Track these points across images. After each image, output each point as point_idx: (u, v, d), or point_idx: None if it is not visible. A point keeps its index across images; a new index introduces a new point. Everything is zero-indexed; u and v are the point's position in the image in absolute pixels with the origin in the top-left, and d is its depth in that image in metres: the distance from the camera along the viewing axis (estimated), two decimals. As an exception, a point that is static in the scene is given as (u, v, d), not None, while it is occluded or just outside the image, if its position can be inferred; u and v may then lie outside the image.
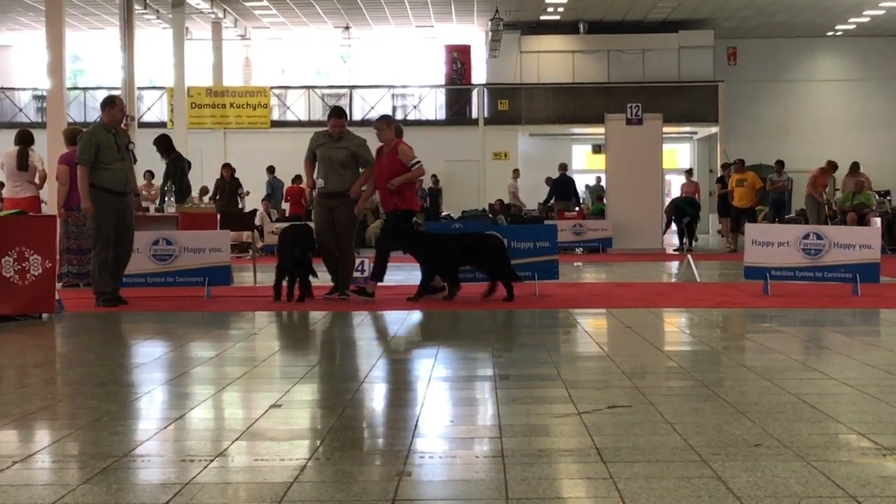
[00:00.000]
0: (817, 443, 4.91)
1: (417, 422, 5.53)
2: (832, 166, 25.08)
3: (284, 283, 12.59)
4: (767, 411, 5.65)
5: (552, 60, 40.31)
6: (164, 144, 17.69)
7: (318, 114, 40.74)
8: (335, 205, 12.76)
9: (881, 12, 36.96)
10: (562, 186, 29.87)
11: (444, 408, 6.16)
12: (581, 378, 7.10)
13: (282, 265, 12.63)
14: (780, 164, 31.29)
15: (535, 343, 9.20)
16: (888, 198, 29.33)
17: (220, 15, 37.18)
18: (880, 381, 6.69)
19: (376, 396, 6.55)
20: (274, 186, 32.83)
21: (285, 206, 33.65)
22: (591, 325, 10.90)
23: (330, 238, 12.79)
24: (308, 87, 41.21)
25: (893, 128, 40.76)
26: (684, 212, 26.84)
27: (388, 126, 12.85)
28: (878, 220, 22.38)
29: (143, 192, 24.36)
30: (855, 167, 25.10)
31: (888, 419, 5.49)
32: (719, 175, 29.10)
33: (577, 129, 40.61)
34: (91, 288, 12.56)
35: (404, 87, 41.37)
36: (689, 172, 32.99)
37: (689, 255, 17.70)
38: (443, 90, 41.15)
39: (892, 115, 41.12)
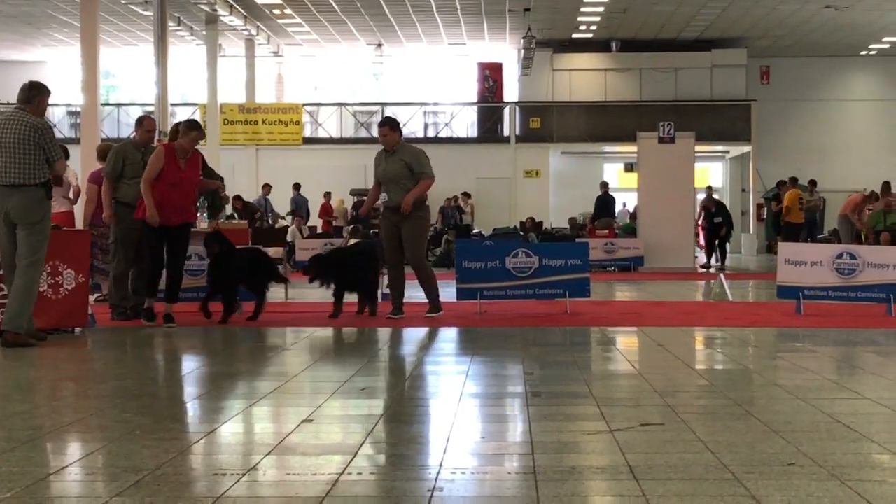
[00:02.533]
0: (851, 462, 4.88)
1: (449, 438, 5.53)
2: (875, 197, 24.90)
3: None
4: (800, 430, 5.62)
5: (584, 78, 40.31)
6: None
7: (350, 131, 40.89)
8: (399, 219, 12.50)
9: (915, 31, 36.80)
10: (604, 204, 29.91)
11: (475, 424, 6.15)
12: (613, 395, 7.08)
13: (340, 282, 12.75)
14: (813, 183, 31.19)
15: (567, 360, 9.17)
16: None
17: (254, 32, 37.37)
18: (915, 402, 6.64)
19: (407, 412, 6.55)
20: (298, 203, 32.93)
21: (316, 222, 33.78)
22: (623, 343, 10.87)
23: (397, 253, 12.59)
24: (340, 105, 41.35)
25: (926, 148, 40.52)
26: (718, 212, 26.74)
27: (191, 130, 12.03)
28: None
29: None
30: (886, 187, 24.92)
31: (923, 440, 5.45)
32: (774, 192, 29.16)
33: (608, 148, 40.58)
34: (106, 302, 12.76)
35: (436, 104, 41.45)
36: (709, 189, 31.86)
37: (721, 274, 17.62)
38: (475, 108, 41.21)
39: (925, 135, 40.90)
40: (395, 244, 12.55)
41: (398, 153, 12.59)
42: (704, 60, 39.58)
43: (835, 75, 41.51)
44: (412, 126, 40.35)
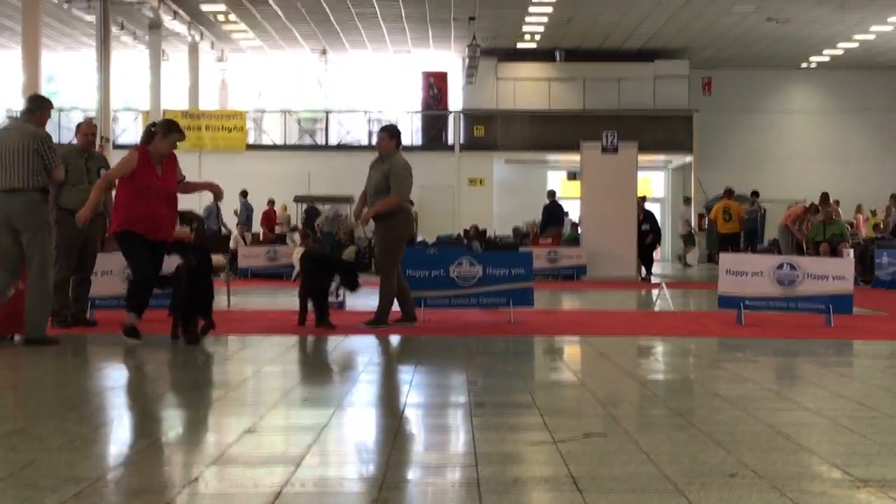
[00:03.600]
0: (792, 473, 4.92)
1: (392, 449, 5.51)
2: (815, 209, 25.15)
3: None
4: (742, 441, 5.66)
5: (528, 87, 40.46)
6: None
7: (294, 137, 40.79)
8: (377, 228, 12.46)
9: (854, 45, 37.31)
10: (552, 213, 29.98)
11: (418, 435, 6.14)
12: (556, 406, 7.10)
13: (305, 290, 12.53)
14: (755, 194, 31.58)
15: (511, 370, 9.19)
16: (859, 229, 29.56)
17: (198, 38, 37.18)
18: (854, 413, 6.71)
19: (351, 422, 6.52)
20: (247, 210, 32.77)
21: (258, 229, 33.61)
22: (566, 353, 10.91)
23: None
24: (284, 111, 41.21)
25: (865, 160, 41.07)
26: (645, 220, 26.27)
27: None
28: (850, 252, 22.50)
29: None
30: (825, 198, 25.27)
31: (862, 450, 5.51)
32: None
33: (552, 157, 40.77)
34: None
35: (380, 111, 41.42)
36: (642, 198, 31.15)
37: (663, 283, 17.74)
38: (419, 115, 41.24)
39: (863, 147, 41.44)
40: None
41: (385, 162, 12.44)
42: (647, 71, 39.88)
43: (775, 87, 41.97)
44: (356, 133, 40.35)
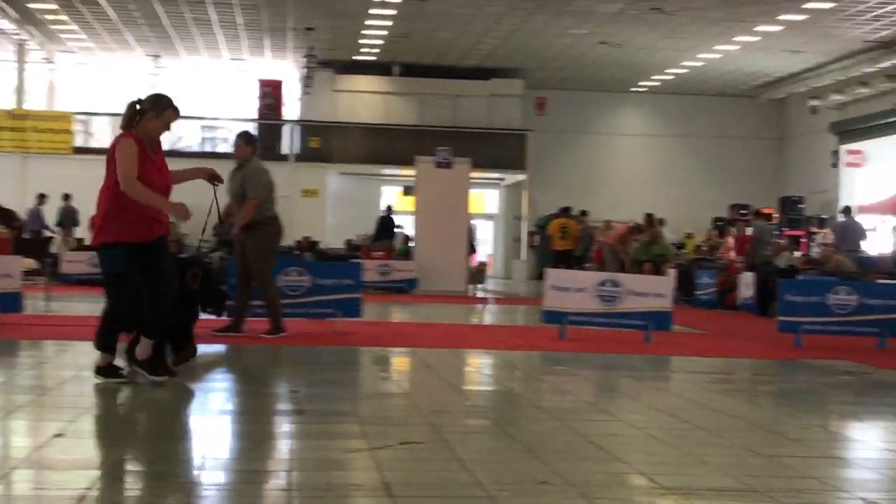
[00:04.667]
0: (601, 481, 5.02)
1: (207, 454, 5.44)
2: (639, 229, 25.76)
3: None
4: (555, 450, 5.76)
5: (365, 101, 40.46)
6: None
7: (125, 142, 39.94)
8: (242, 239, 12.12)
9: (683, 71, 38.34)
10: (385, 226, 30.09)
11: (235, 441, 6.08)
12: (377, 415, 7.11)
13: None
14: (584, 213, 32.25)
15: (334, 380, 9.17)
16: (682, 249, 30.42)
17: (25, 36, 36.16)
18: (665, 425, 6.89)
19: (166, 428, 6.42)
20: (67, 214, 31.93)
21: (86, 234, 32.86)
22: (392, 363, 10.93)
23: (243, 273, 12.20)
24: (114, 115, 40.32)
25: (690, 183, 42.16)
26: None
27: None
28: (672, 271, 23.11)
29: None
30: (649, 219, 25.92)
31: (670, 460, 5.66)
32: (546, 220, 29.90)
33: (387, 170, 40.81)
34: None
35: (215, 119, 40.90)
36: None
37: (488, 298, 17.92)
38: (254, 124, 40.84)
39: (689, 171, 42.55)
40: (244, 263, 12.22)
41: (243, 169, 12.32)
42: (483, 89, 40.27)
43: (607, 110, 42.86)
44: (189, 140, 39.79)
